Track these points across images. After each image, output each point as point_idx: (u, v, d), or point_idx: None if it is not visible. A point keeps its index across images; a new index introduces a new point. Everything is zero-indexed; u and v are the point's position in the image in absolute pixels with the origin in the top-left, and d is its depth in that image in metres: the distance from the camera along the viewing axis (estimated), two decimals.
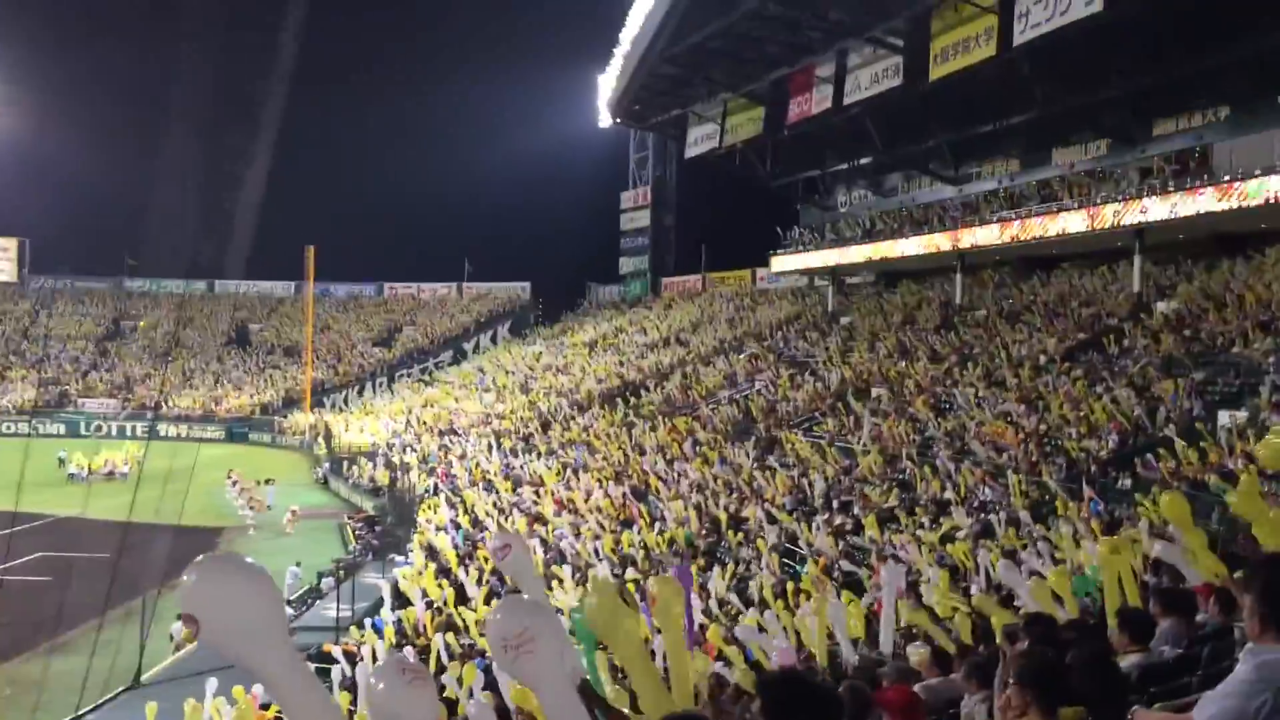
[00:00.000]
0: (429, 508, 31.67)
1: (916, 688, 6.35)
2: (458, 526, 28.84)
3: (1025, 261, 37.20)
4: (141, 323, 71.01)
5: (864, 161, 45.39)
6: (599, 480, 29.97)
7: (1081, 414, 22.66)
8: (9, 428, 56.25)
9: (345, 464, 44.30)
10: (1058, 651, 4.51)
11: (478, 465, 35.72)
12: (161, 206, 67.03)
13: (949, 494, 21.48)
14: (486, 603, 20.05)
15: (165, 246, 70.06)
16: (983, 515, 19.47)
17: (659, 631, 6.79)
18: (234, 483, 38.88)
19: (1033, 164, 37.81)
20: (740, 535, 23.15)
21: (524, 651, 3.32)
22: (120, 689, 18.78)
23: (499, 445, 38.13)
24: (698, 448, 31.39)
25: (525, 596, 4.37)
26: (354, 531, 33.43)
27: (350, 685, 16.00)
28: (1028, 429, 23.20)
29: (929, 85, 35.39)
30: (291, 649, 2.57)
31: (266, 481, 38.92)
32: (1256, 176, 26.41)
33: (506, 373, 53.25)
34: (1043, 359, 27.79)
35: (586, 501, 28.07)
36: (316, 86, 75.91)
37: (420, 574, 24.09)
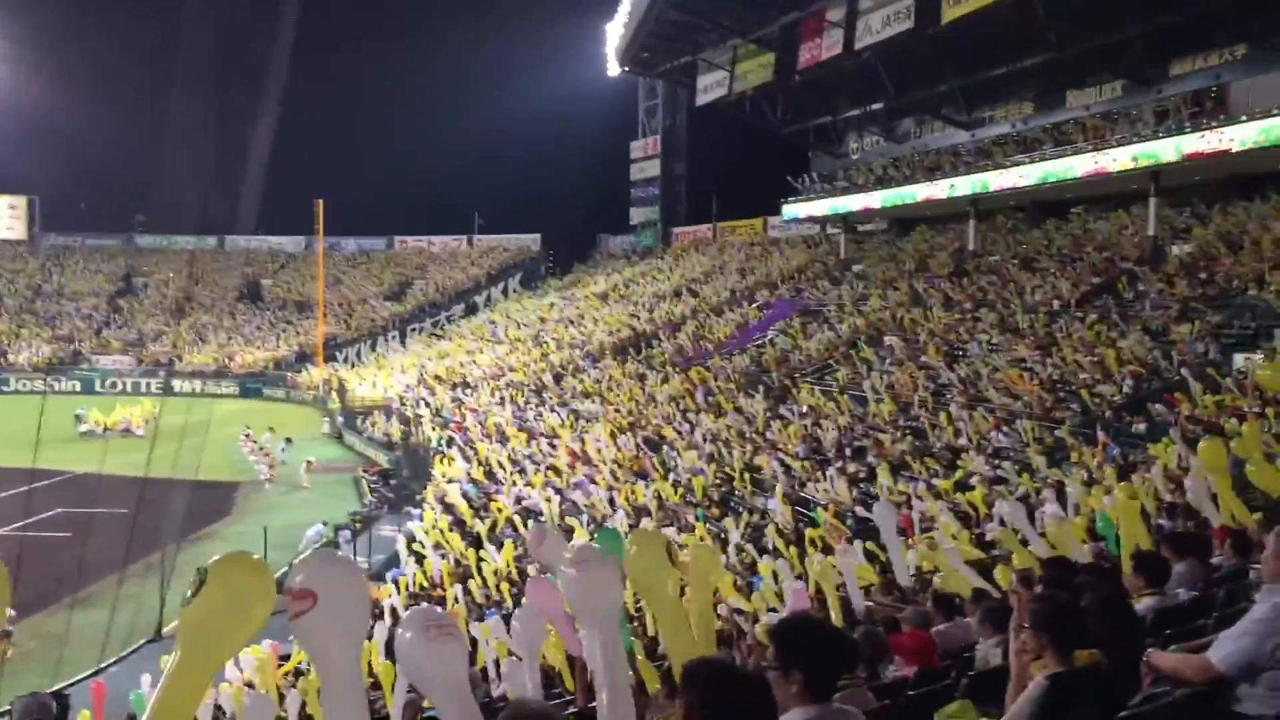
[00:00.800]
0: (443, 461, 31.82)
1: (932, 631, 6.39)
2: (472, 480, 29.00)
3: (1039, 206, 36.90)
4: (155, 277, 71.12)
5: (876, 107, 44.93)
6: (612, 432, 30.04)
7: (1095, 359, 22.57)
8: (24, 385, 56.63)
9: (359, 418, 44.48)
10: (1072, 595, 4.51)
11: (490, 418, 35.83)
12: (171, 162, 67.13)
13: (962, 441, 21.48)
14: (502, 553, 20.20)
15: (175, 202, 70.25)
16: (996, 462, 19.47)
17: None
18: (247, 437, 39.07)
19: (1047, 107, 37.36)
20: (753, 485, 23.23)
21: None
22: (142, 641, 19.04)
23: (511, 398, 38.22)
24: (710, 398, 31.42)
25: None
26: (369, 485, 33.62)
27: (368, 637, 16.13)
28: (1041, 375, 23.14)
29: (941, 28, 34.93)
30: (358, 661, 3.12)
31: (287, 440, 39.03)
32: (1275, 115, 26.10)
33: (518, 325, 53.24)
34: (1056, 304, 27.66)
35: (599, 454, 28.16)
36: (324, 40, 75.66)
37: (435, 527, 24.27)
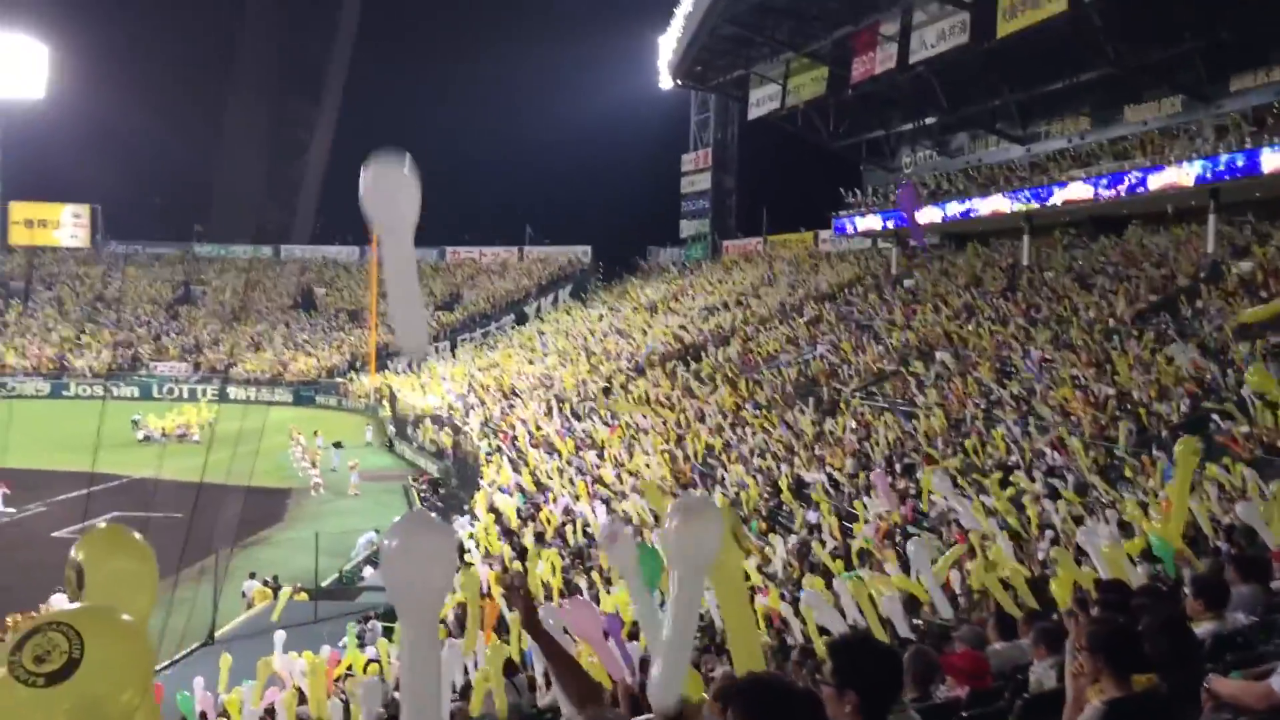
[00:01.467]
0: (493, 467, 32.01)
1: (986, 651, 6.32)
2: (520, 489, 29.12)
3: (1095, 222, 36.42)
4: (212, 285, 72.24)
5: (929, 121, 44.70)
6: (661, 442, 30.03)
7: (1152, 377, 22.21)
8: (85, 390, 57.82)
9: (409, 426, 44.89)
10: (1129, 618, 4.45)
11: (539, 428, 35.97)
12: (229, 172, 68.29)
13: (1014, 458, 21.22)
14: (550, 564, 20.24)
15: (232, 212, 71.41)
16: (1049, 480, 19.21)
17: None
18: (297, 443, 39.59)
19: (1103, 122, 36.94)
20: (801, 499, 23.10)
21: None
22: (195, 645, 19.31)
23: (559, 408, 38.35)
24: (759, 411, 31.31)
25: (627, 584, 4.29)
26: (419, 494, 33.92)
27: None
28: (1097, 393, 22.81)
29: (996, 42, 34.69)
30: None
31: (336, 445, 39.49)
32: None
33: (566, 336, 53.44)
34: (1112, 321, 27.26)
35: (647, 467, 28.14)
36: (378, 51, 76.48)
37: (486, 533, 24.43)
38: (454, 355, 60.18)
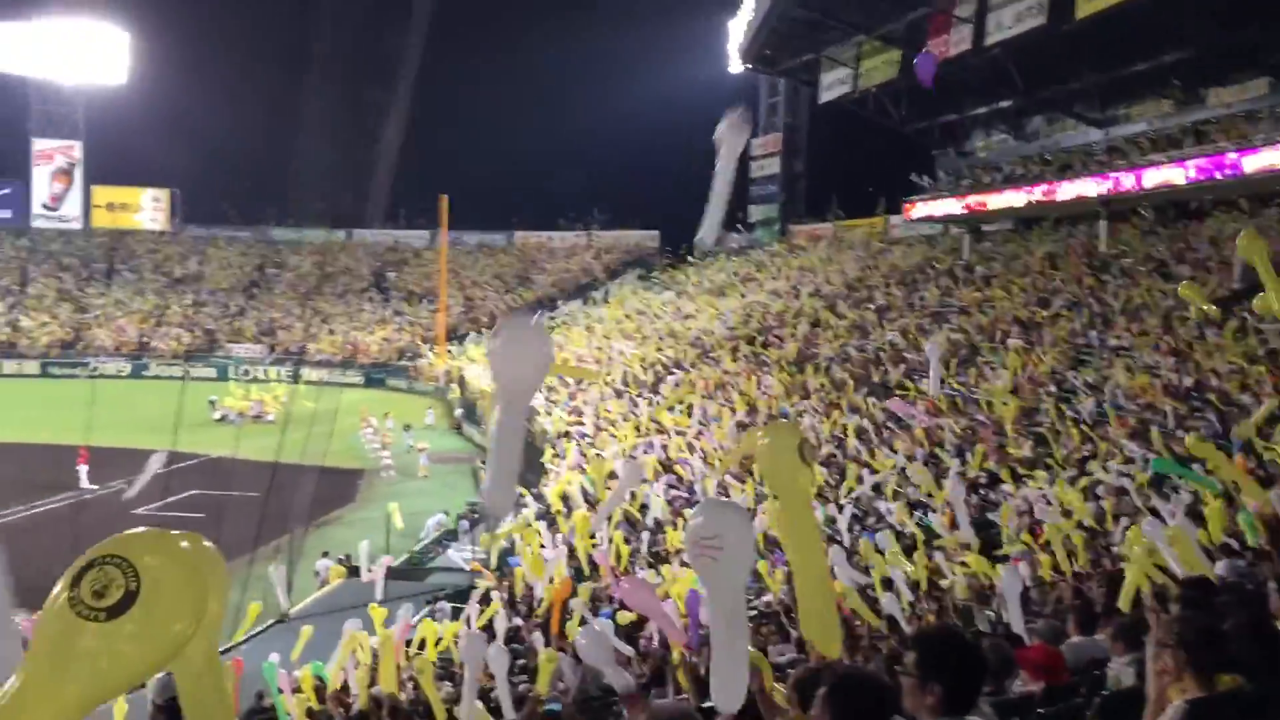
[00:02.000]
0: (558, 453, 32.15)
1: (1062, 646, 6.23)
2: (583, 471, 29.22)
3: (1175, 208, 35.54)
4: (287, 268, 73.56)
5: (1004, 105, 43.90)
6: (730, 425, 29.94)
7: (1234, 368, 21.67)
8: (164, 371, 59.28)
9: (478, 409, 45.30)
10: (1214, 616, 4.35)
11: (607, 410, 36.07)
12: (304, 157, 69.41)
13: (1089, 448, 20.85)
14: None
15: (307, 196, 72.59)
16: (1124, 471, 18.83)
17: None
18: (369, 426, 40.20)
19: (1186, 104, 35.98)
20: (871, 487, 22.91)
21: (709, 552, 3.48)
22: (271, 621, 19.73)
23: (627, 391, 38.41)
24: (826, 396, 31.09)
25: (724, 501, 4.44)
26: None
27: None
28: (1175, 383, 22.31)
29: (1076, 23, 33.93)
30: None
31: (405, 427, 39.97)
32: None
33: (634, 318, 53.50)
34: (1192, 309, 26.60)
35: (716, 451, 28.09)
36: (451, 37, 77.07)
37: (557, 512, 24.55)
38: None
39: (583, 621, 12.24)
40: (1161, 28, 32.89)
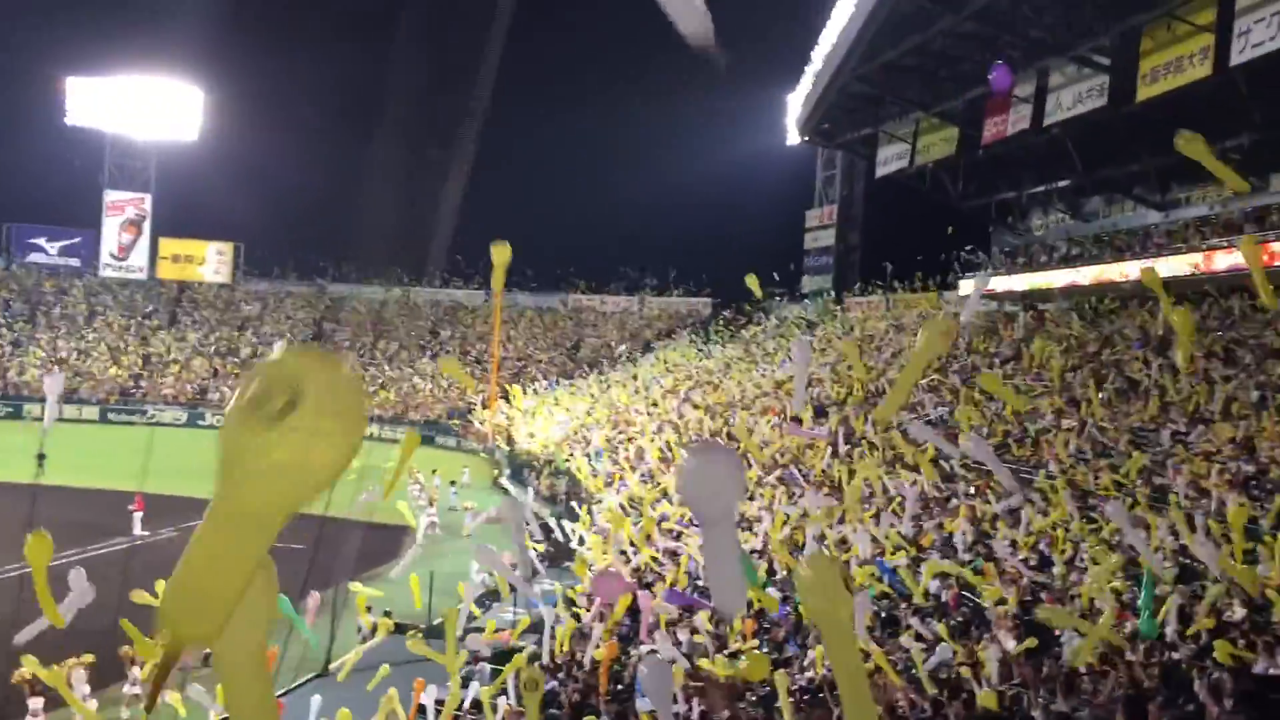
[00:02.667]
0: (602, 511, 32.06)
1: None
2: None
3: (1236, 292, 35.07)
4: (345, 324, 74.62)
5: (1062, 184, 43.79)
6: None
7: None
8: (219, 421, 60.05)
9: (524, 470, 45.42)
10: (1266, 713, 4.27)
11: (651, 474, 35.97)
12: (364, 213, 70.76)
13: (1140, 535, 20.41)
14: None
15: (366, 252, 73.88)
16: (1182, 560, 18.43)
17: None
18: (416, 483, 40.42)
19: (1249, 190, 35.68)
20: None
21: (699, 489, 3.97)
22: (310, 675, 19.79)
23: (670, 454, 38.31)
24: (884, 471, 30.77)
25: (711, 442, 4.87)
26: (530, 537, 34.14)
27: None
28: (1234, 471, 21.87)
29: (1136, 105, 33.92)
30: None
31: (451, 483, 40.14)
32: None
33: (684, 382, 53.46)
34: (1254, 396, 26.13)
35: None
36: (513, 101, 78.56)
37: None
38: (569, 397, 60.80)
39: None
40: (1223, 111, 32.76)
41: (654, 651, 12.81)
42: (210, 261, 78.71)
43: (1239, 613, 13.54)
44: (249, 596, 2.69)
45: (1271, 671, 8.24)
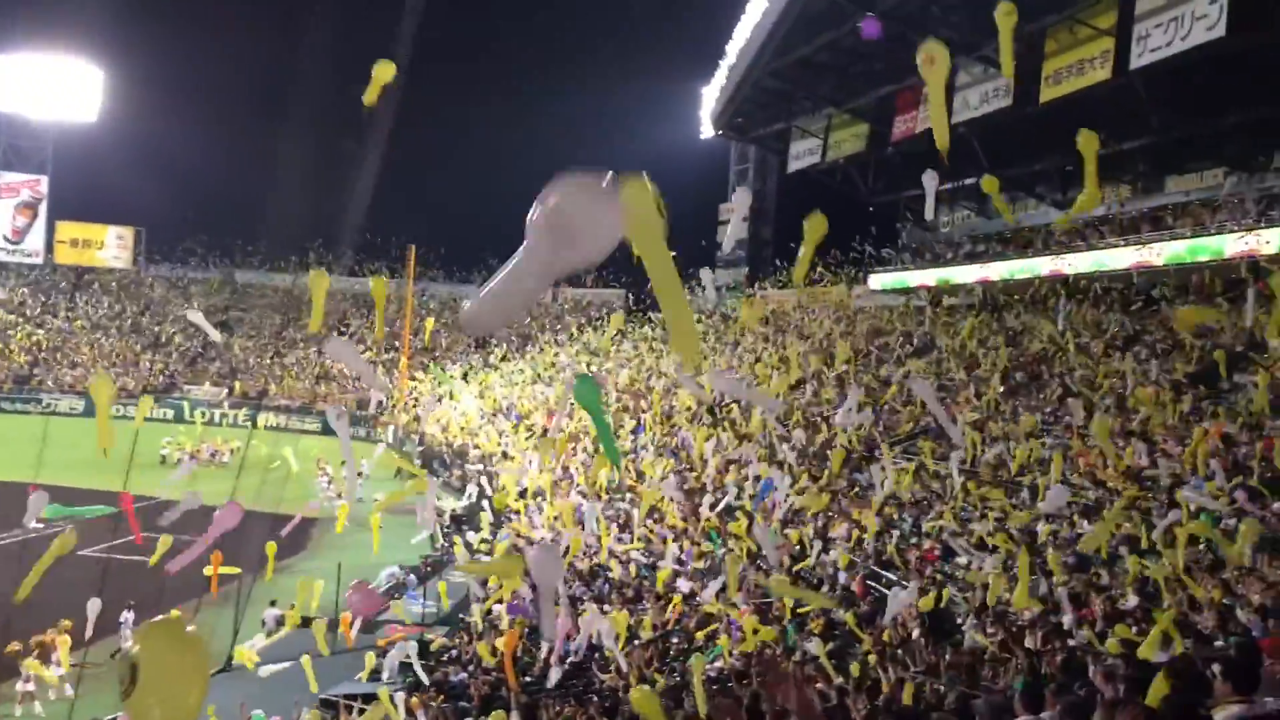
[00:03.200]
0: (514, 506, 32.00)
1: None
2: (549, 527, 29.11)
3: (1132, 290, 36.20)
4: (251, 312, 72.97)
5: (969, 182, 44.72)
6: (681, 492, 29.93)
7: (1186, 449, 21.98)
8: (118, 410, 58.29)
9: (434, 461, 45.02)
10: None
11: (564, 466, 35.96)
12: (272, 201, 69.38)
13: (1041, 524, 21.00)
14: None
15: (274, 240, 72.43)
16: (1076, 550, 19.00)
17: None
18: (324, 473, 39.83)
19: (1145, 191, 36.86)
20: (825, 554, 22.95)
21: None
22: (212, 671, 19.33)
23: (589, 446, 38.31)
24: (785, 463, 31.16)
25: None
26: (441, 529, 33.89)
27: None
28: (1128, 462, 22.59)
29: (1039, 107, 34.81)
30: None
31: (358, 474, 39.40)
32: None
33: (599, 374, 53.45)
34: (1147, 391, 27.00)
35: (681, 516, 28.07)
36: (424, 90, 77.57)
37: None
38: (480, 388, 60.35)
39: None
40: (1123, 115, 33.73)
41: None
42: (111, 246, 76.37)
43: (1132, 600, 14.03)
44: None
45: (1162, 658, 8.54)
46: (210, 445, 45.53)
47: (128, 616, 21.11)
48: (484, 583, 22.73)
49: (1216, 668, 6.36)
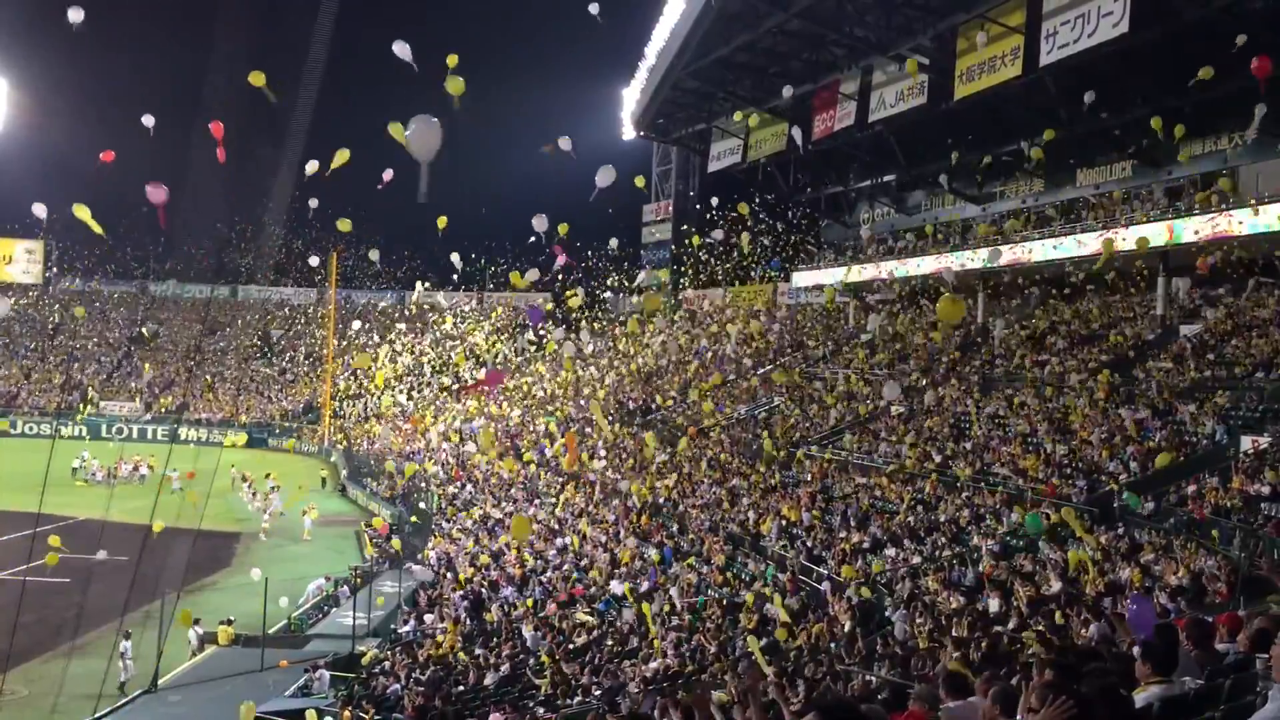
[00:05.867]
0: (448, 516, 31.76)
1: (940, 710, 6.35)
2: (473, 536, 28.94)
3: (1049, 283, 36.97)
4: (147, 332, 71.08)
5: (887, 178, 45.35)
6: (615, 494, 29.98)
7: (1103, 437, 22.53)
8: (31, 429, 56.80)
9: (362, 472, 44.50)
10: (1080, 681, 4.50)
11: (496, 475, 35.78)
12: (187, 213, 67.78)
13: (968, 514, 21.38)
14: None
15: (190, 251, 70.86)
16: (1002, 537, 19.37)
17: None
18: (248, 485, 39.09)
19: (1057, 184, 37.64)
20: (757, 551, 23.12)
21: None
22: (138, 692, 18.87)
23: (517, 455, 38.14)
24: (714, 462, 31.35)
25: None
26: (371, 540, 33.48)
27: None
28: (1048, 452, 23.08)
29: (954, 104, 35.41)
30: None
31: (273, 489, 38.32)
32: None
33: (523, 379, 53.30)
34: (1066, 381, 27.63)
35: (611, 521, 28.09)
36: (343, 93, 76.62)
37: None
38: (410, 400, 59.77)
39: None
40: (1033, 110, 34.40)
41: None
42: (19, 260, 74.30)
43: (1055, 585, 14.34)
44: None
45: (1087, 641, 8.73)
46: (129, 461, 44.44)
47: (126, 646, 20.21)
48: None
49: (1136, 650, 6.51)
